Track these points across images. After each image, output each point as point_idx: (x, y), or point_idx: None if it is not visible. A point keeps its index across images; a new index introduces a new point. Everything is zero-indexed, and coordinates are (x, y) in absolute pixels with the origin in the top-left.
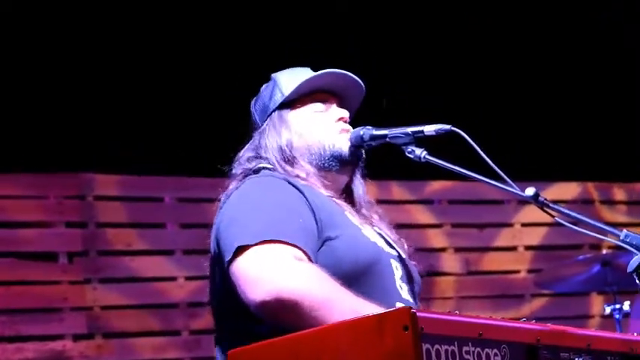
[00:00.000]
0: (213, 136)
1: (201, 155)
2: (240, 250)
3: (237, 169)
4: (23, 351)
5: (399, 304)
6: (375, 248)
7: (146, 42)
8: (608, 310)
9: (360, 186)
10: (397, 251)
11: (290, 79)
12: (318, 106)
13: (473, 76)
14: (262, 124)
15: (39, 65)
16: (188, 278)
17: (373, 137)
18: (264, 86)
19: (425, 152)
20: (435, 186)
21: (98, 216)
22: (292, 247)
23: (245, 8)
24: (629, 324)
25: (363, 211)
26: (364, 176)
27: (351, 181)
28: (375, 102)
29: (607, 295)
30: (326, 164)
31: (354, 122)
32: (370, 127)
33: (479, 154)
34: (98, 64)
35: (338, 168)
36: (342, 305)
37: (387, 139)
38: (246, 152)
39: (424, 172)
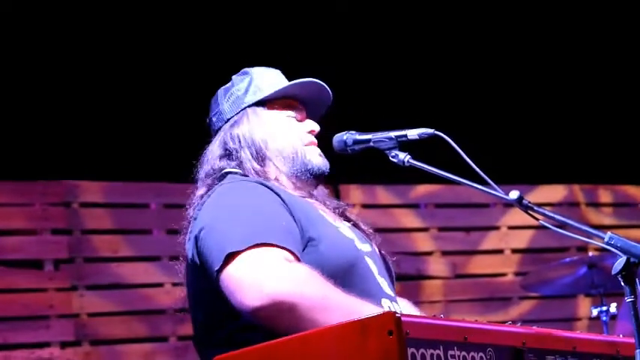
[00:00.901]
0: (199, 143)
1: (186, 161)
2: (231, 257)
3: (206, 167)
4: (10, 359)
5: (384, 300)
6: (353, 246)
7: (130, 49)
8: (595, 312)
9: (321, 190)
10: (370, 245)
11: (267, 79)
12: (291, 113)
13: (458, 80)
14: (233, 116)
15: (23, 74)
16: (175, 284)
17: (357, 142)
18: (236, 78)
19: (408, 156)
20: (421, 190)
21: (84, 223)
22: (282, 250)
23: (242, 8)
24: (616, 326)
25: (332, 210)
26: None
27: (315, 189)
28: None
29: (594, 298)
30: (297, 172)
31: (342, 124)
32: (354, 132)
33: (463, 157)
34: (83, 72)
35: (308, 178)
36: (339, 305)
37: (371, 144)
38: (214, 148)
39: (410, 176)
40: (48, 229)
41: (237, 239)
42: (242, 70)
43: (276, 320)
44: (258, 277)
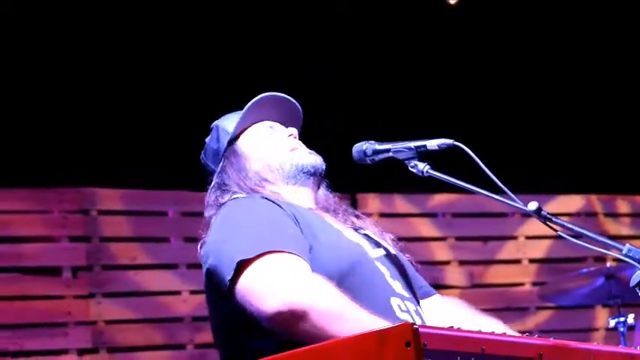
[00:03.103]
0: None
1: (205, 170)
2: (242, 265)
3: (209, 211)
4: None
5: (393, 299)
6: (358, 249)
7: (147, 54)
8: (612, 323)
9: (327, 196)
10: (385, 249)
11: (231, 119)
12: (265, 131)
13: (476, 89)
14: (219, 167)
15: (42, 81)
16: (192, 292)
17: (376, 152)
18: (208, 138)
19: (428, 167)
20: (439, 199)
21: (102, 230)
22: (294, 256)
23: (243, 12)
24: (634, 337)
25: (341, 217)
26: (328, 187)
27: (317, 192)
28: (375, 112)
29: (611, 308)
30: (290, 180)
31: (359, 132)
32: (373, 142)
33: (482, 168)
34: (101, 79)
35: (302, 180)
36: (354, 316)
37: (390, 154)
38: (212, 194)
39: (428, 185)
40: (66, 236)
41: (246, 248)
42: (210, 127)
43: (292, 327)
44: (273, 285)
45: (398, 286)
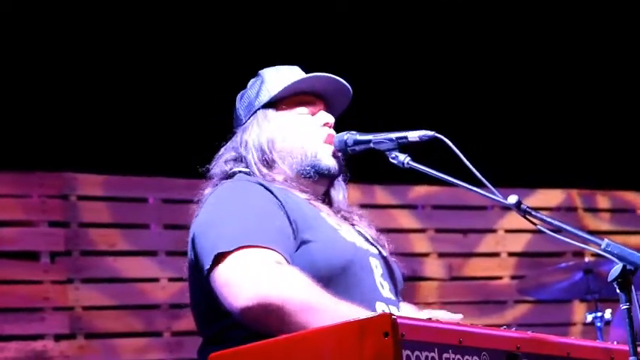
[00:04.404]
0: (199, 137)
1: (186, 156)
2: (220, 257)
3: (215, 170)
4: (4, 350)
5: (379, 304)
6: (352, 248)
7: (130, 42)
8: (589, 317)
9: (339, 190)
10: (378, 249)
11: (278, 78)
12: (303, 109)
13: (458, 82)
14: (246, 121)
15: (23, 65)
16: (171, 279)
17: (357, 142)
18: (251, 81)
19: (408, 158)
20: (419, 191)
21: (81, 216)
22: (271, 251)
23: (241, 7)
24: (610, 332)
25: (342, 212)
26: (346, 181)
27: (329, 188)
28: (364, 105)
29: (589, 303)
30: (304, 172)
31: (339, 125)
32: (354, 132)
33: (462, 160)
34: (83, 64)
35: (317, 178)
36: (325, 309)
37: (371, 145)
38: (226, 151)
39: (408, 176)
40: (45, 221)
41: (227, 240)
42: (257, 72)
43: (263, 321)
44: (245, 279)
45: (386, 288)
